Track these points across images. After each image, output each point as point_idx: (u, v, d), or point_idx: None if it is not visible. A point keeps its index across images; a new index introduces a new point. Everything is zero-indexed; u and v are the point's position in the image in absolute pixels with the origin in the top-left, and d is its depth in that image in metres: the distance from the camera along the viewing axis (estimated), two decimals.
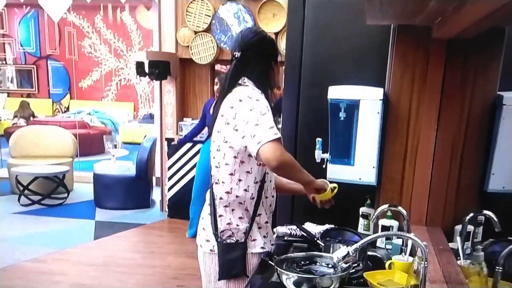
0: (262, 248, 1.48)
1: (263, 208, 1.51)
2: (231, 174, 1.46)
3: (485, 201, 1.69)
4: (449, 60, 1.64)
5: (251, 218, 1.48)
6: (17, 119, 8.53)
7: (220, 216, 1.48)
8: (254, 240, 1.48)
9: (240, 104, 1.42)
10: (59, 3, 4.95)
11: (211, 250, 1.49)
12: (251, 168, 1.46)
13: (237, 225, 1.47)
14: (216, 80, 3.73)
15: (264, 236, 1.50)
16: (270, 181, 1.55)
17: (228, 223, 1.47)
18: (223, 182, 1.48)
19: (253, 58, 1.51)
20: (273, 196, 1.57)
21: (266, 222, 1.52)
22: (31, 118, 8.50)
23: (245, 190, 1.47)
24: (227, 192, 1.47)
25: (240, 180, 1.46)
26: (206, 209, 1.55)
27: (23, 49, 9.24)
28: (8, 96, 9.48)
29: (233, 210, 1.48)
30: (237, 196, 1.46)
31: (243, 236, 1.47)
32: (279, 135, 1.34)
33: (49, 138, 5.60)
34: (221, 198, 1.48)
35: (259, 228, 1.50)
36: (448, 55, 1.64)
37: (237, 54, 1.52)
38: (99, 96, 9.38)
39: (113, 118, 8.58)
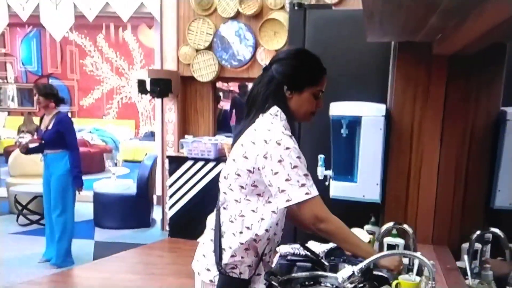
0: (265, 284, 1.37)
1: (269, 246, 1.39)
2: (253, 211, 1.32)
3: (492, 218, 1.66)
4: (451, 76, 1.64)
5: (261, 254, 1.36)
6: (23, 134, 8.50)
7: (230, 248, 1.34)
8: (258, 274, 1.37)
9: (265, 146, 1.26)
10: (61, 22, 5.02)
11: (211, 280, 1.36)
12: (278, 208, 1.31)
13: (242, 257, 1.34)
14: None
15: (265, 271, 1.40)
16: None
17: (232, 256, 1.33)
18: (242, 216, 1.33)
19: (282, 78, 1.34)
20: (282, 230, 1.43)
21: (269, 262, 1.43)
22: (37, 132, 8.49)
23: (266, 230, 1.32)
24: (247, 228, 1.32)
25: (262, 219, 1.32)
26: (209, 234, 1.40)
27: (25, 67, 9.31)
28: (8, 114, 9.52)
29: (241, 243, 1.33)
30: (256, 234, 1.32)
31: (246, 269, 1.34)
32: (311, 194, 1.23)
33: None
34: (241, 232, 1.32)
35: (263, 261, 1.39)
36: (450, 71, 1.64)
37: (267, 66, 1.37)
38: (100, 114, 9.42)
39: (114, 136, 8.58)
